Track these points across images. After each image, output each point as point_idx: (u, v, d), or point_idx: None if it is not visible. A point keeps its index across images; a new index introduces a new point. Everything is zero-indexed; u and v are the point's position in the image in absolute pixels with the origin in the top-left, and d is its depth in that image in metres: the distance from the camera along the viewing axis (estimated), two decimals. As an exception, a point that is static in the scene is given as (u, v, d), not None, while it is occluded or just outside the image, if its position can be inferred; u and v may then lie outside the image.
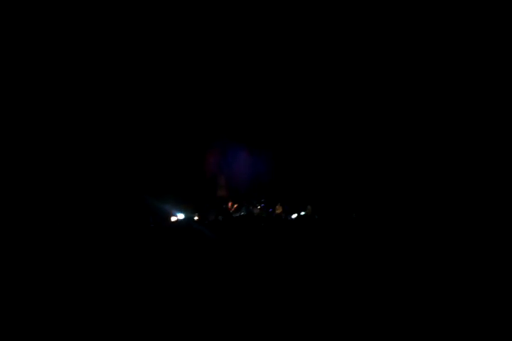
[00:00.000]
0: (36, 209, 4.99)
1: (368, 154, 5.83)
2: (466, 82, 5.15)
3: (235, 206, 5.97)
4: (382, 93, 5.59)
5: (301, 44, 5.70)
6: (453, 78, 5.22)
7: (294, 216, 5.74)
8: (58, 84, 5.53)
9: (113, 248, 4.51)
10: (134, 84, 5.73)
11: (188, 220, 5.68)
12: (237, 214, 5.87)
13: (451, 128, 5.05)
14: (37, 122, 5.40)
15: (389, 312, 2.91)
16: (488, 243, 3.92)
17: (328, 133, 6.08)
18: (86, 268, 3.93)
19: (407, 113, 5.37)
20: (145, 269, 3.98)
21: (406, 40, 5.37)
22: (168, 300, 3.42)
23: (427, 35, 5.25)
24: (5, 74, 5.24)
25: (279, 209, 5.84)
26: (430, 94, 5.33)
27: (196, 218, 5.73)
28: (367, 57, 5.65)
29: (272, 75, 5.94)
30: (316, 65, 5.80)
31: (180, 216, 5.77)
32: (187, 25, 5.70)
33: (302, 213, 5.69)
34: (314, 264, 4.05)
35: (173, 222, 5.75)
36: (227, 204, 5.95)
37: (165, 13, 5.60)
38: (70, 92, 5.55)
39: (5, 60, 5.23)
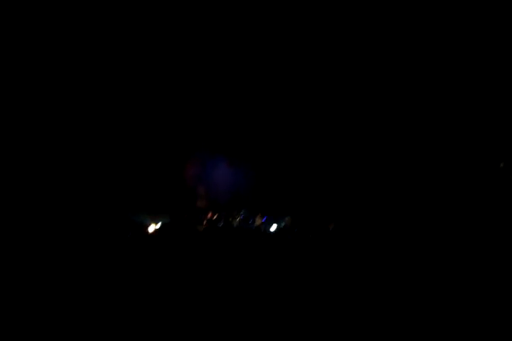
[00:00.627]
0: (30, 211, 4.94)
1: (354, 163, 5.79)
2: (466, 82, 5.15)
3: (215, 217, 5.89)
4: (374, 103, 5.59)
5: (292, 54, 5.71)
6: (453, 78, 5.22)
7: (274, 227, 5.67)
8: (57, 84, 5.49)
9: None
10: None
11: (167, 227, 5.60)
12: (217, 225, 5.79)
13: (450, 132, 5.02)
14: (34, 122, 5.35)
15: (388, 314, 2.87)
16: (488, 244, 3.88)
17: (310, 143, 6.05)
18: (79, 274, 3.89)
19: (403, 118, 5.34)
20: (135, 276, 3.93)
21: (406, 40, 5.38)
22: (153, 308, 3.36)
23: (427, 35, 5.27)
24: (5, 74, 5.21)
25: (258, 221, 5.77)
26: (430, 96, 5.31)
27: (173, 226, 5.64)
28: (367, 57, 5.64)
29: (253, 85, 5.93)
30: (307, 72, 5.79)
31: (157, 225, 5.69)
32: (179, 25, 5.67)
33: (282, 224, 5.63)
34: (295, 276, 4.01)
35: (152, 231, 5.66)
36: (206, 214, 5.87)
37: (165, 13, 5.60)
38: (61, 93, 5.50)
39: (5, 60, 5.19)
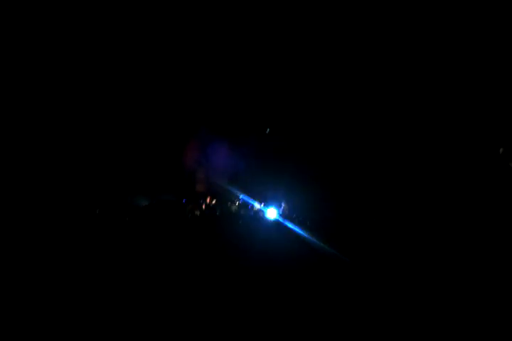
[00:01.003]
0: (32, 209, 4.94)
1: (351, 152, 5.79)
2: (466, 82, 5.12)
3: (214, 201, 5.92)
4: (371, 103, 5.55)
5: (286, 45, 5.59)
6: (453, 78, 5.18)
7: (273, 213, 5.73)
8: (57, 84, 5.42)
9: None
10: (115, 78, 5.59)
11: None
12: (216, 210, 5.84)
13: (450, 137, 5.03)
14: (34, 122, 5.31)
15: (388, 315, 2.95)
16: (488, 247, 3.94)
17: (311, 129, 6.01)
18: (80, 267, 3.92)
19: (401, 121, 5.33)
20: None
21: (406, 40, 5.30)
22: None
23: (427, 35, 5.18)
24: (5, 75, 5.12)
25: (257, 206, 5.82)
26: (430, 97, 5.28)
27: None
28: (366, 57, 5.56)
29: (254, 70, 5.81)
30: (301, 63, 5.70)
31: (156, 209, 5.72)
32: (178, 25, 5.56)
33: (280, 210, 5.69)
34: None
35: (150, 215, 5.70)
36: (205, 199, 5.89)
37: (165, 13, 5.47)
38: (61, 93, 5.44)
39: (5, 60, 5.09)
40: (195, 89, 5.84)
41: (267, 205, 5.78)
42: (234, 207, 5.83)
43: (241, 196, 5.90)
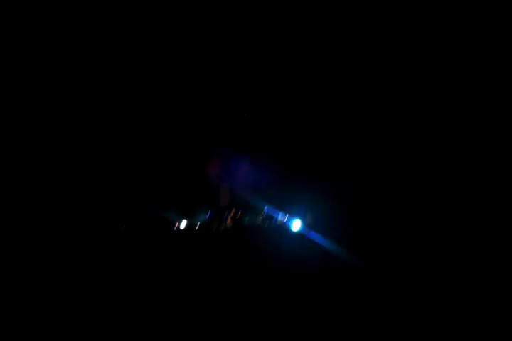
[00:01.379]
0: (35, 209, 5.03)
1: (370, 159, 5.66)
2: (466, 82, 4.97)
3: (238, 214, 5.91)
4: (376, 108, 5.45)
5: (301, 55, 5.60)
6: (453, 78, 5.04)
7: (298, 225, 5.64)
8: (57, 84, 5.52)
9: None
10: (132, 87, 5.69)
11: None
12: (241, 223, 5.82)
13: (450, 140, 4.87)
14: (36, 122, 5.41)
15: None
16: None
17: (330, 140, 5.94)
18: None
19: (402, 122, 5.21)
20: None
21: (406, 40, 5.21)
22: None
23: (427, 35, 5.08)
24: (5, 75, 5.26)
25: (282, 218, 5.76)
26: (430, 98, 5.16)
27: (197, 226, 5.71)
28: (366, 57, 5.50)
29: (274, 83, 5.83)
30: (318, 70, 5.67)
31: (183, 223, 5.77)
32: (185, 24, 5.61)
33: (304, 221, 5.59)
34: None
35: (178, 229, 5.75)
36: (230, 212, 5.89)
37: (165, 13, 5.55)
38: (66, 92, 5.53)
39: (5, 60, 5.24)
40: (218, 102, 5.92)
41: (291, 217, 5.71)
42: (258, 220, 5.79)
43: (265, 208, 5.86)
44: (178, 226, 5.64)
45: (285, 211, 5.77)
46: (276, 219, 5.74)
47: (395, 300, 3.44)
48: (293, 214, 5.71)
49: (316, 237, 5.23)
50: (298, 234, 5.44)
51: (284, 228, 5.64)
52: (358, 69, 5.49)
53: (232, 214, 5.86)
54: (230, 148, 6.06)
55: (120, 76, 5.53)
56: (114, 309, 3.39)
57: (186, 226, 5.70)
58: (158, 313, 3.49)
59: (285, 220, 5.71)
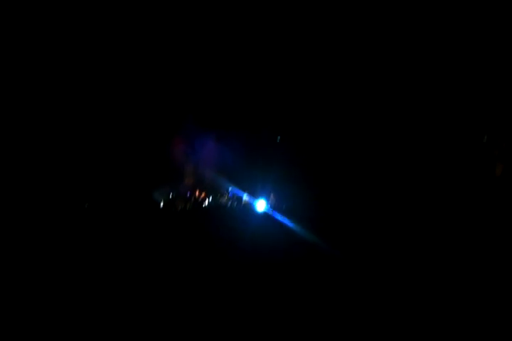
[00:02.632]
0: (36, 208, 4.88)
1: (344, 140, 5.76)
2: (466, 82, 5.14)
3: (203, 194, 5.91)
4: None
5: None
6: (453, 78, 5.20)
7: (262, 205, 5.73)
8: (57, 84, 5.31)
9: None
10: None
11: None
12: (205, 203, 5.83)
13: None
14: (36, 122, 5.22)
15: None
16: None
17: (302, 121, 5.99)
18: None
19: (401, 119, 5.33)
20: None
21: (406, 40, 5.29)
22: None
23: (427, 35, 5.18)
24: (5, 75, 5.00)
25: (246, 199, 5.82)
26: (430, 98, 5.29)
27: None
28: (366, 57, 5.55)
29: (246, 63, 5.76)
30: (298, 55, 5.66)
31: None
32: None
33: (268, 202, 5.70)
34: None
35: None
36: (194, 192, 5.87)
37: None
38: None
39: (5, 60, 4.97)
40: (182, 80, 5.77)
41: (256, 197, 5.79)
42: (223, 200, 5.82)
43: (230, 189, 5.89)
44: (144, 205, 5.55)
45: (249, 191, 5.84)
46: (241, 199, 5.80)
47: (355, 280, 3.62)
48: (257, 195, 5.80)
49: (280, 217, 5.36)
50: (262, 214, 5.55)
51: (249, 208, 5.73)
52: (335, 58, 5.53)
53: (196, 193, 5.85)
54: (195, 126, 5.96)
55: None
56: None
57: (151, 204, 5.62)
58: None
59: (249, 200, 5.79)
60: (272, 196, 5.76)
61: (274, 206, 5.64)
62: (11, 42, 5.01)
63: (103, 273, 3.82)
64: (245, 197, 5.80)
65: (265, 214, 5.53)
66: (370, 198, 4.90)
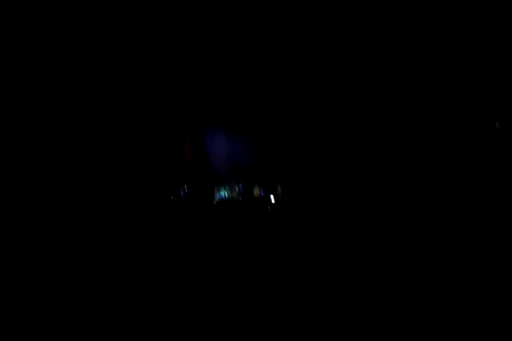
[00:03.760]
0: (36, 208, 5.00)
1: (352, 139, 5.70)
2: (466, 82, 5.00)
3: (215, 189, 5.95)
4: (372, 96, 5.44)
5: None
6: (453, 78, 5.07)
7: (272, 199, 5.73)
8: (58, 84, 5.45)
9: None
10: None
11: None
12: (216, 198, 5.87)
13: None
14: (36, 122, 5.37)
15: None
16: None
17: (310, 117, 5.95)
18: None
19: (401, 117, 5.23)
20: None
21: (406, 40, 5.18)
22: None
23: (427, 35, 5.06)
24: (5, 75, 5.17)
25: (257, 192, 5.83)
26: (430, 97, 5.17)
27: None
28: (366, 57, 5.46)
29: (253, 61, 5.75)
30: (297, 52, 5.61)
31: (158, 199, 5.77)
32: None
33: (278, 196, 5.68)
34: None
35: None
36: (205, 188, 5.91)
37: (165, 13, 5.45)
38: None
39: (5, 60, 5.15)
40: (188, 78, 5.81)
41: (267, 192, 5.79)
42: (234, 195, 5.85)
43: (241, 184, 5.91)
44: (154, 201, 5.63)
45: (260, 186, 5.84)
46: (252, 193, 5.81)
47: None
48: (268, 189, 5.79)
49: (290, 211, 5.34)
50: (272, 208, 5.54)
51: (260, 202, 5.72)
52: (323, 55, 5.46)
53: (208, 188, 5.89)
54: (205, 124, 6.01)
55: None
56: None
57: (163, 201, 5.70)
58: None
59: (260, 195, 5.79)
60: (282, 190, 5.74)
61: (285, 200, 5.62)
62: (11, 42, 5.11)
63: (105, 269, 3.88)
64: (256, 191, 5.80)
65: (275, 208, 5.52)
66: (372, 194, 4.84)
